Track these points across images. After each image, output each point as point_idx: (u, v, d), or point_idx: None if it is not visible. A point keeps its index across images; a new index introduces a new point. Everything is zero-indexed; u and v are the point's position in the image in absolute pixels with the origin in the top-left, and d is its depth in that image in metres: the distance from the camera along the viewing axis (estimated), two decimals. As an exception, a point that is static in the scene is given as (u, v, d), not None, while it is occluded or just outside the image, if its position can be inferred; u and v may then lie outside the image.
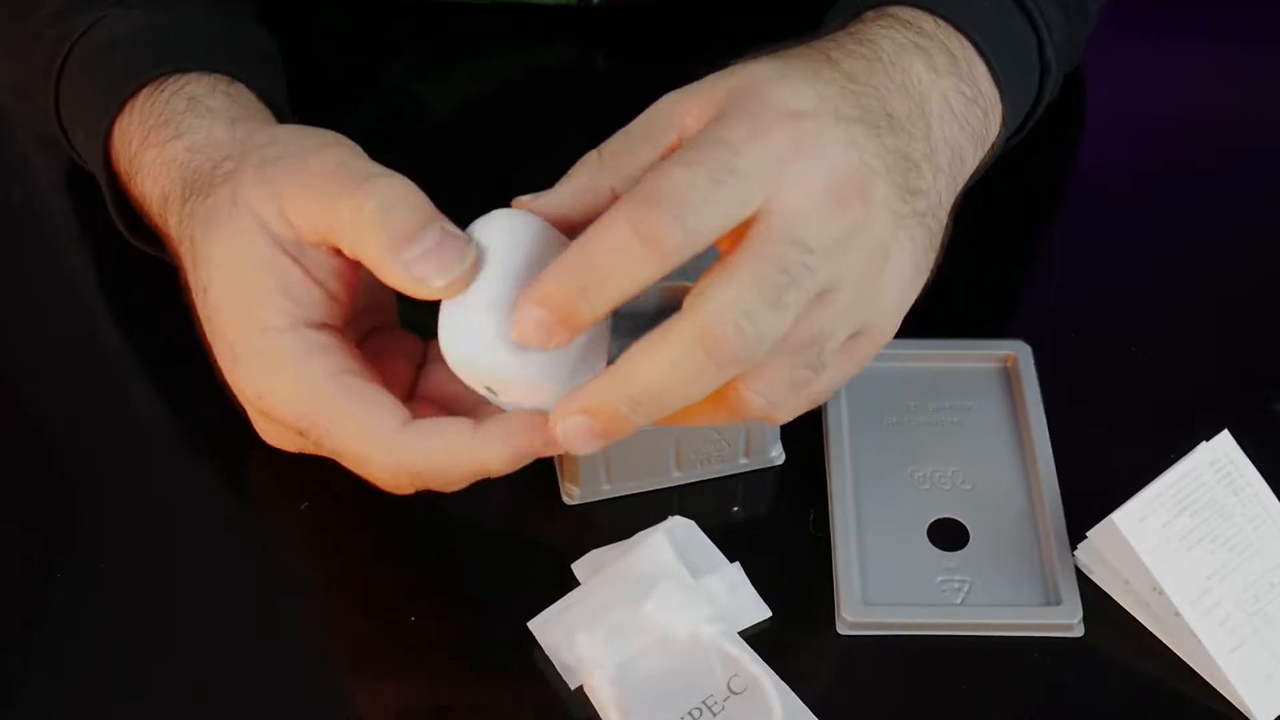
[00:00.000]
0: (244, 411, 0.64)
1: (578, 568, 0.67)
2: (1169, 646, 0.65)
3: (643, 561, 0.66)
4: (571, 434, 0.55)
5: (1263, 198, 0.87)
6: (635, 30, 0.93)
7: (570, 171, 0.60)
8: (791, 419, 0.61)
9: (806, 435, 0.72)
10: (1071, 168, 0.85)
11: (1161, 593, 0.63)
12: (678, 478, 0.71)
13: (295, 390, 0.58)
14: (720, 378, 0.55)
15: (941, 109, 0.63)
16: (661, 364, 0.54)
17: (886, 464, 0.72)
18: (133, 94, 0.66)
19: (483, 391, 0.57)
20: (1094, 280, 0.81)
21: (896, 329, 0.62)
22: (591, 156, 0.59)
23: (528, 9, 0.92)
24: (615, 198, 0.57)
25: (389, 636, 0.66)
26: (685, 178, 0.53)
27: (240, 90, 0.67)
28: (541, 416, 0.57)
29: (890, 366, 0.75)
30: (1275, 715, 0.63)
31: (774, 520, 0.71)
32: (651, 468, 0.70)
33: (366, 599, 0.68)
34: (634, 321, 0.74)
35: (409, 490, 0.59)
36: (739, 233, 0.55)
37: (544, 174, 0.86)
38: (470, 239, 0.56)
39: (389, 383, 0.60)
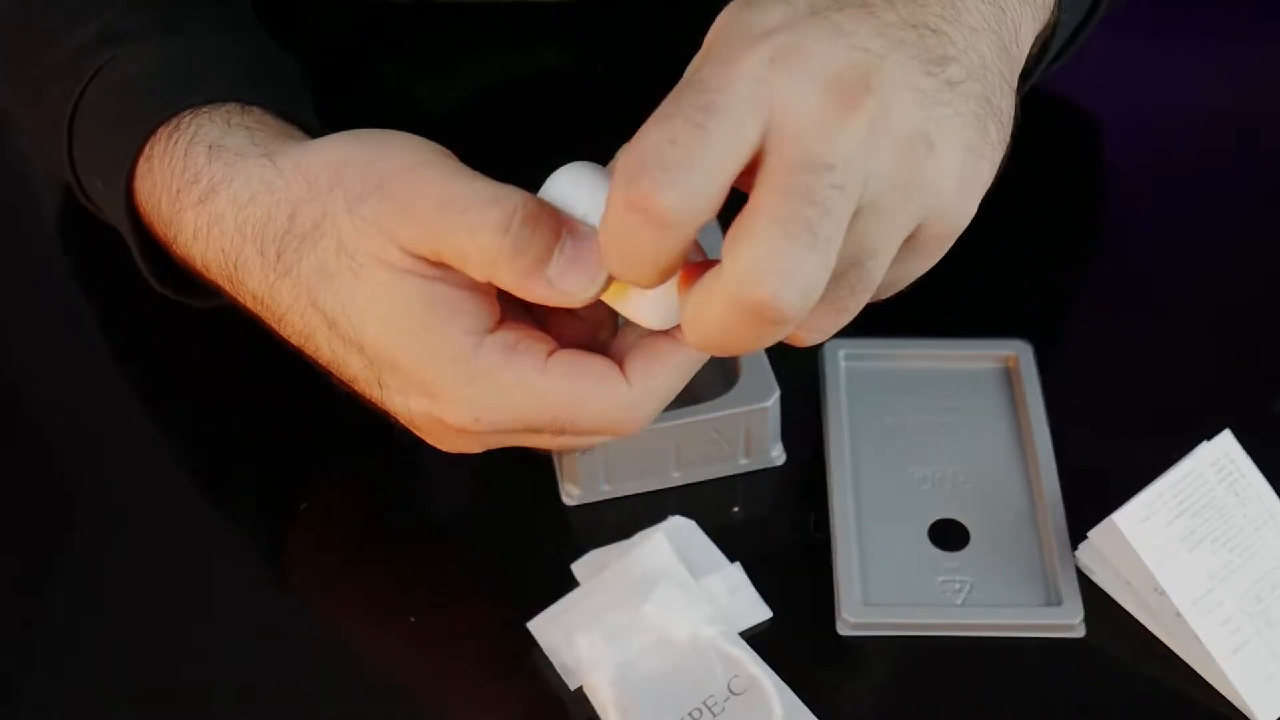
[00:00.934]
0: (403, 428, 0.60)
1: (578, 568, 0.67)
2: (1170, 647, 0.65)
3: (643, 562, 0.66)
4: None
5: (1263, 198, 0.87)
6: (634, 30, 0.93)
7: None
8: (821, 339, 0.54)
9: (806, 435, 0.72)
10: (1071, 167, 0.85)
11: (1163, 593, 0.63)
12: (677, 478, 0.71)
13: (517, 399, 0.56)
14: (778, 333, 0.50)
15: None
16: (701, 324, 0.51)
17: (886, 464, 0.72)
18: (146, 141, 0.62)
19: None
20: (1094, 280, 0.81)
21: (972, 213, 0.54)
22: None
23: (526, 8, 0.92)
24: None
25: (389, 636, 0.66)
26: (662, 133, 0.48)
27: (256, 116, 0.63)
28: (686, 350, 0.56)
29: (890, 366, 0.75)
30: (1277, 716, 0.63)
31: (774, 520, 0.71)
32: (651, 468, 0.70)
33: (366, 599, 0.68)
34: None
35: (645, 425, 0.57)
36: (752, 171, 0.49)
37: (542, 174, 0.86)
38: (592, 230, 0.54)
39: (575, 326, 0.58)
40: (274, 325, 0.60)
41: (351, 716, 0.64)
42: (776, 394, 0.70)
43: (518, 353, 0.56)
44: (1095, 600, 0.66)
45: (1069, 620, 0.66)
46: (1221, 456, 0.65)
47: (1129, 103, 0.92)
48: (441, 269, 0.55)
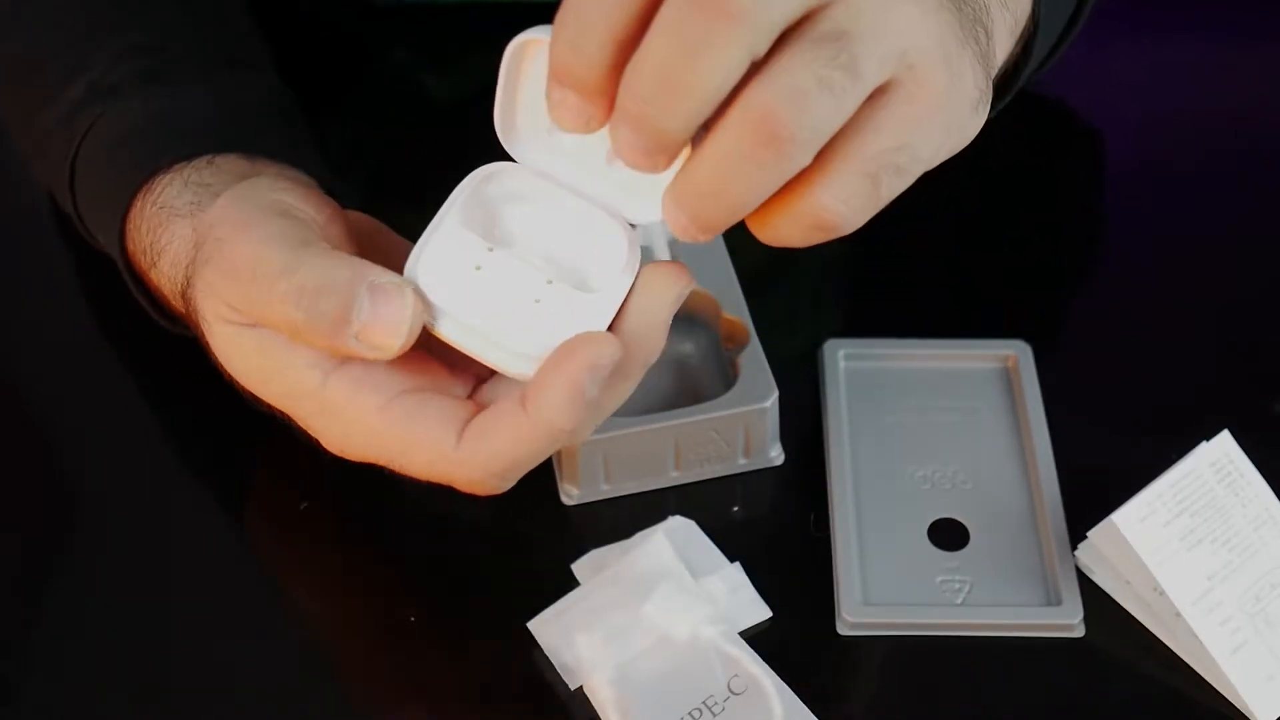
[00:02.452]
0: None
1: (578, 568, 0.67)
2: (1170, 647, 0.65)
3: (643, 562, 0.66)
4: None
5: (1262, 198, 0.87)
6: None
7: None
8: (851, 213, 0.52)
9: (806, 435, 0.72)
10: (1071, 167, 0.85)
11: (1162, 593, 0.63)
12: (676, 478, 0.71)
13: (354, 437, 0.57)
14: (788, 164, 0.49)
15: None
16: (722, 160, 0.50)
17: (886, 464, 0.72)
18: (129, 205, 0.66)
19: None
20: (1094, 280, 0.81)
21: (953, 93, 0.52)
22: None
23: (528, 9, 0.92)
24: None
25: (389, 636, 0.66)
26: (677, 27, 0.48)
27: (218, 168, 0.65)
28: (581, 343, 0.53)
29: (891, 366, 0.75)
30: (1276, 716, 0.63)
31: (774, 520, 0.71)
32: (650, 468, 0.70)
33: (366, 599, 0.68)
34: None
35: (504, 487, 0.57)
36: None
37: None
38: (404, 287, 0.55)
39: (439, 375, 0.58)
40: None
41: (352, 716, 0.64)
42: (775, 394, 0.70)
43: (362, 390, 0.56)
44: (1095, 600, 0.66)
45: (1068, 620, 0.66)
46: (1221, 456, 0.65)
47: (1129, 103, 0.92)
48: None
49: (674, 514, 0.69)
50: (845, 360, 0.75)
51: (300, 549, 0.70)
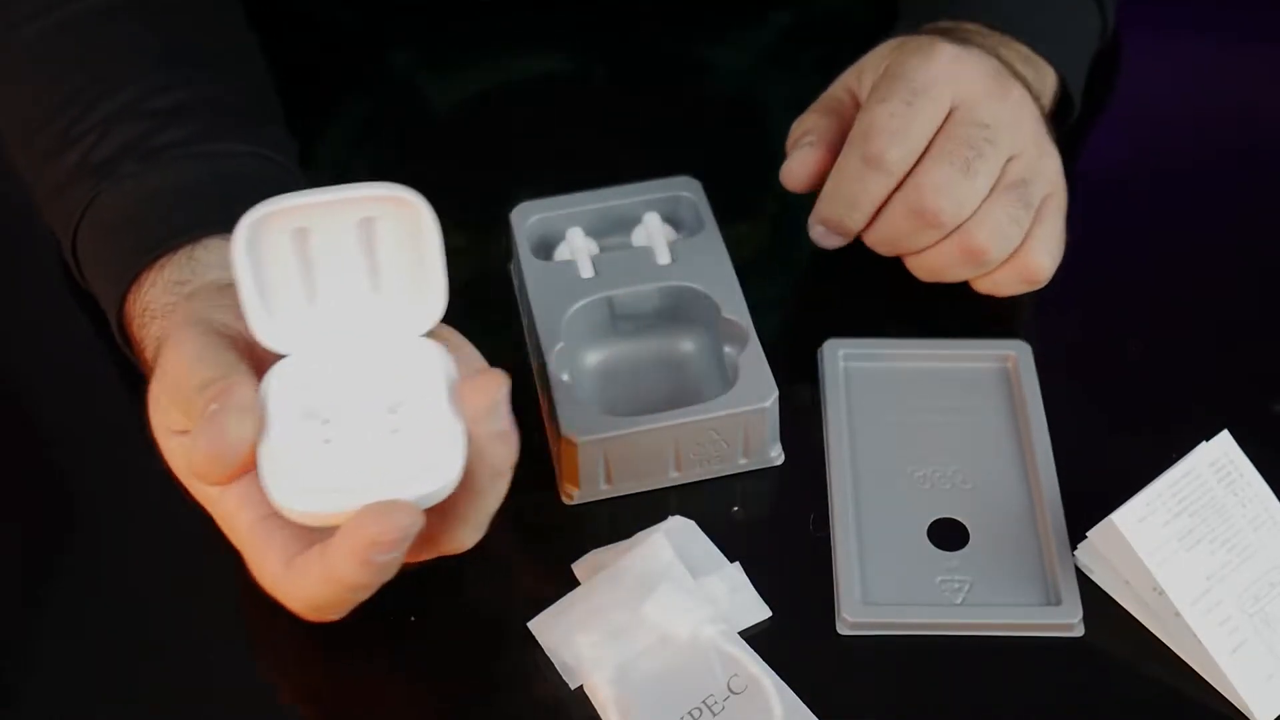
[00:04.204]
0: None
1: (578, 568, 0.67)
2: (1169, 647, 0.65)
3: (643, 562, 0.66)
4: (819, 237, 0.77)
5: (1263, 197, 0.87)
6: (632, 39, 0.93)
7: (806, 134, 0.77)
8: (1054, 267, 0.75)
9: (806, 435, 0.72)
10: (1071, 167, 0.85)
11: (1162, 593, 0.63)
12: (676, 478, 0.71)
13: (234, 538, 0.61)
14: (937, 235, 0.73)
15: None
16: (890, 231, 0.74)
17: (886, 464, 0.72)
18: (125, 297, 0.69)
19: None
20: (1094, 280, 0.81)
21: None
22: (812, 119, 0.77)
23: (528, 14, 0.92)
24: (843, 130, 0.76)
25: (389, 636, 0.66)
26: (885, 110, 0.72)
27: (197, 260, 0.67)
28: (371, 514, 0.55)
29: (890, 366, 0.75)
30: (1276, 715, 0.63)
31: (774, 520, 0.71)
32: (650, 469, 0.70)
33: (366, 600, 0.68)
34: (634, 322, 0.74)
35: (329, 618, 0.60)
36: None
37: (541, 169, 0.86)
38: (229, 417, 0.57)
39: None
40: None
41: (352, 716, 0.64)
42: (775, 394, 0.70)
43: (244, 506, 0.59)
44: (1094, 600, 0.66)
45: (1068, 620, 0.66)
46: (1220, 457, 0.65)
47: (1129, 102, 0.92)
48: None
49: (674, 514, 0.69)
50: (845, 360, 0.75)
51: (300, 549, 0.70)
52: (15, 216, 0.84)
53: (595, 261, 0.75)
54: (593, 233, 0.77)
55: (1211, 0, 1.00)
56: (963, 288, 0.78)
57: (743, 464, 0.71)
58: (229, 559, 0.69)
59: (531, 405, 0.73)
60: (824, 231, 0.75)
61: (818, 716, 0.63)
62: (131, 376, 0.77)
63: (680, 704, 0.63)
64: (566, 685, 0.64)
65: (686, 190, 0.77)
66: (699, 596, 0.65)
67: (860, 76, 0.77)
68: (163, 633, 0.67)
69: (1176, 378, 0.76)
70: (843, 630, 0.66)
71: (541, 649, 0.65)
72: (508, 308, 0.78)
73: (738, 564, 0.67)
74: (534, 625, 0.65)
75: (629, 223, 0.77)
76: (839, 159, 0.74)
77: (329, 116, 0.89)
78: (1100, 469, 0.70)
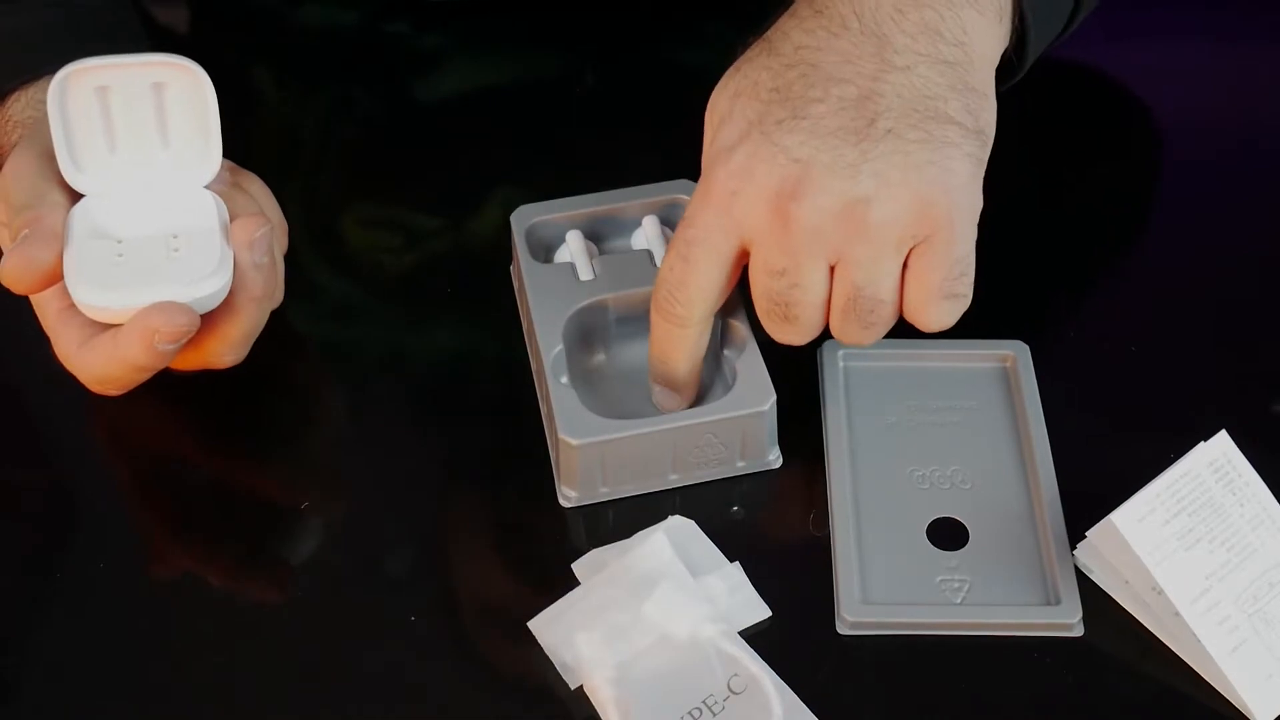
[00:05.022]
0: None
1: (578, 568, 0.68)
2: (1169, 646, 0.65)
3: (643, 561, 0.66)
4: (659, 400, 0.72)
5: (1263, 198, 0.87)
6: (622, 39, 0.93)
7: None
8: (955, 319, 0.67)
9: (806, 435, 0.72)
10: (1071, 167, 0.85)
11: (1161, 592, 0.63)
12: (674, 481, 0.71)
13: (43, 325, 0.71)
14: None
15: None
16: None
17: (886, 464, 0.72)
18: None
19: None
20: (1093, 280, 0.81)
21: (962, 203, 0.66)
22: None
23: (520, 14, 0.92)
24: None
25: (389, 636, 0.66)
26: (667, 263, 0.68)
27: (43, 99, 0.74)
28: (156, 309, 0.66)
29: (890, 366, 0.75)
30: (1275, 715, 0.63)
31: (774, 520, 0.71)
32: (648, 471, 0.70)
33: (366, 599, 0.68)
34: (634, 324, 0.74)
35: (111, 391, 0.70)
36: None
37: (530, 168, 0.86)
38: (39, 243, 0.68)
39: None
40: None
41: (352, 716, 0.64)
42: (773, 398, 0.70)
43: (53, 294, 0.69)
44: (1094, 599, 0.66)
45: (1067, 619, 0.66)
46: (1219, 456, 0.65)
47: (1129, 103, 0.92)
48: None
49: (675, 514, 0.69)
50: (845, 360, 0.75)
51: (300, 549, 0.70)
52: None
53: (594, 264, 0.75)
54: (592, 236, 0.77)
55: (1211, 1, 1.00)
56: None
57: (741, 467, 0.71)
58: (229, 559, 0.70)
59: (531, 407, 0.74)
60: (661, 392, 0.72)
61: (818, 716, 0.63)
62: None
63: (680, 704, 0.63)
64: (566, 685, 0.64)
65: (685, 193, 0.77)
66: (699, 596, 0.65)
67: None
68: (163, 631, 0.67)
69: (1175, 378, 0.76)
70: (842, 630, 0.66)
71: (541, 649, 0.65)
72: (508, 310, 0.78)
73: (737, 564, 0.67)
74: (534, 625, 0.65)
75: (628, 226, 0.78)
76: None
77: (322, 120, 0.89)
78: (1099, 469, 0.70)
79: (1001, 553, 0.68)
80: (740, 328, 0.72)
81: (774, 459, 0.72)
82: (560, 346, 0.72)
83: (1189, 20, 0.98)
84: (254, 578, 0.69)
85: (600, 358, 0.75)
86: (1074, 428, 0.72)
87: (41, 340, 0.70)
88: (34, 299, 0.71)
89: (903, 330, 0.76)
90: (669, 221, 0.77)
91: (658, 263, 0.74)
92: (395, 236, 0.83)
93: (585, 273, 0.74)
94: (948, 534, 0.69)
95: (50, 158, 0.71)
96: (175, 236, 0.70)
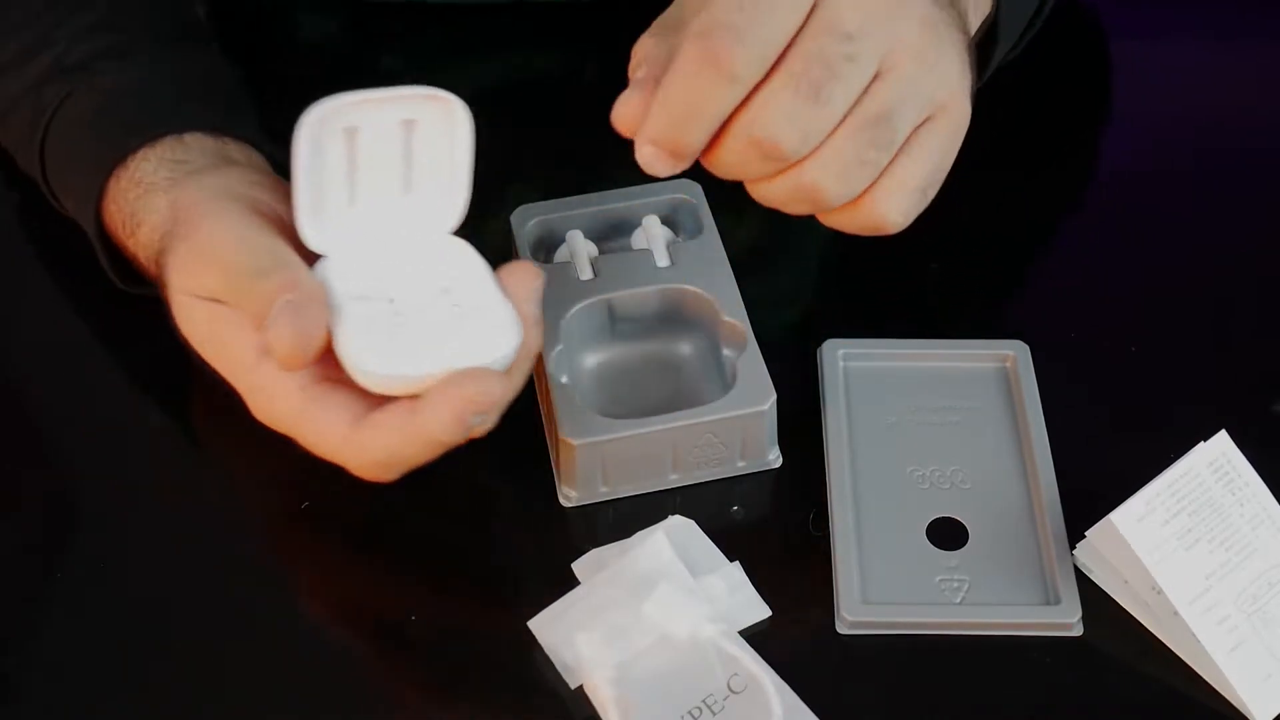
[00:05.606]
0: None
1: (578, 568, 0.68)
2: (1168, 646, 0.65)
3: (643, 561, 0.66)
4: (648, 160, 0.60)
5: (1262, 198, 0.87)
6: (623, 35, 0.93)
7: (638, 64, 0.62)
8: (905, 222, 0.62)
9: (806, 435, 0.72)
10: (1071, 167, 0.85)
11: (1160, 592, 0.63)
12: (674, 481, 0.71)
13: (275, 410, 0.63)
14: (779, 166, 0.60)
15: None
16: (728, 158, 0.60)
17: (886, 464, 0.72)
18: (106, 181, 0.71)
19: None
20: (1093, 280, 0.81)
21: (970, 114, 0.63)
22: (645, 44, 0.62)
23: (515, 12, 0.92)
24: None
25: (389, 636, 0.66)
26: (733, 1, 0.57)
27: (186, 146, 0.70)
28: (469, 377, 0.59)
29: (890, 366, 0.75)
30: (1274, 715, 0.63)
31: (774, 520, 0.71)
32: (648, 471, 0.70)
33: (366, 599, 0.68)
34: (634, 325, 0.74)
35: (388, 477, 0.62)
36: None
37: (530, 168, 0.86)
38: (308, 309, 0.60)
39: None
40: None
41: (351, 716, 0.64)
42: (773, 398, 0.70)
43: (285, 374, 0.62)
44: (1093, 599, 0.66)
45: (1067, 619, 0.66)
46: (1219, 456, 0.65)
47: (1129, 103, 0.93)
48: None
49: (674, 514, 0.69)
50: (845, 360, 0.75)
51: (300, 549, 0.70)
52: (16, 216, 0.84)
53: (594, 264, 0.75)
54: (592, 235, 0.77)
55: (1211, 1, 1.00)
56: (961, 288, 0.78)
57: (741, 466, 0.71)
58: (229, 558, 0.70)
59: (531, 407, 0.74)
60: (653, 153, 0.60)
61: (818, 716, 0.63)
62: (132, 376, 0.77)
63: (680, 703, 0.63)
64: (566, 685, 0.64)
65: (686, 193, 0.78)
66: (699, 596, 0.65)
67: None
68: (163, 631, 0.67)
69: (1175, 378, 0.76)
70: (842, 630, 0.66)
71: (541, 649, 0.65)
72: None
73: (737, 563, 0.67)
74: (534, 625, 0.65)
75: (628, 225, 0.78)
76: (673, 60, 0.59)
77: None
78: (1099, 469, 0.70)
79: (1001, 553, 0.68)
80: (740, 327, 0.72)
81: (774, 459, 0.72)
82: (560, 346, 0.72)
83: (1189, 20, 0.98)
84: (254, 578, 0.69)
85: (600, 358, 0.75)
86: (1074, 428, 0.72)
87: (41, 340, 0.70)
88: (255, 381, 0.63)
89: (903, 330, 0.76)
90: (669, 222, 0.77)
91: (659, 262, 0.74)
92: None
93: (585, 273, 0.74)
94: (947, 534, 0.69)
95: (260, 214, 0.63)
96: (447, 291, 0.63)
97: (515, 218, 0.77)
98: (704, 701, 0.63)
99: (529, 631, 0.65)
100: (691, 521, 0.69)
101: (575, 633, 0.64)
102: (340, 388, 0.61)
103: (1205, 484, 0.65)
